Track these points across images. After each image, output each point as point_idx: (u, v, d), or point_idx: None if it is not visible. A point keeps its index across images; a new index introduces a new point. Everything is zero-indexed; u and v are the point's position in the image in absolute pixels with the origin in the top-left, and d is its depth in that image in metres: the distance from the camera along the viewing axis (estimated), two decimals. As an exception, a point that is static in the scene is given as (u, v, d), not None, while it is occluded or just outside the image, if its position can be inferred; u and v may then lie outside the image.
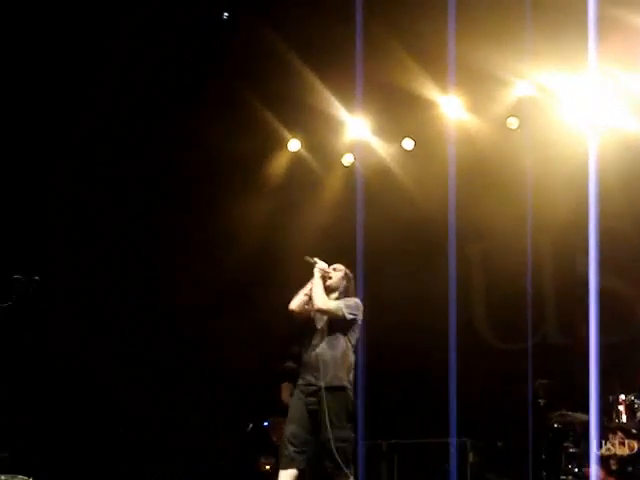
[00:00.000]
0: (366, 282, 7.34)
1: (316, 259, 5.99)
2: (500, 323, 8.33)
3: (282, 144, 8.85)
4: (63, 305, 8.11)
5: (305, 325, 6.00)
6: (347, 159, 8.76)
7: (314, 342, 5.86)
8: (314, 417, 5.70)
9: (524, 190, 8.05)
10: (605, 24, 5.83)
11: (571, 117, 7.78)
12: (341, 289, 6.00)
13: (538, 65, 7.48)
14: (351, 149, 8.67)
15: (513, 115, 8.05)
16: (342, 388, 5.72)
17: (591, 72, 7.01)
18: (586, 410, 6.84)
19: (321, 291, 5.87)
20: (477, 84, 7.83)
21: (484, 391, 8.13)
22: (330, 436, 5.60)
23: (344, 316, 5.82)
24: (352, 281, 6.13)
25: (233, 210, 8.51)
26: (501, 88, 7.92)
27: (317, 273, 5.93)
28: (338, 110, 8.23)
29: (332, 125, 8.45)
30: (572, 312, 7.90)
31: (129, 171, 8.31)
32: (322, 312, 5.84)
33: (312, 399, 5.70)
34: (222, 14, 7.82)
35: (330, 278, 6.00)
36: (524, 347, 7.98)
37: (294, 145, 8.86)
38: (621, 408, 6.98)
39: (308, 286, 5.97)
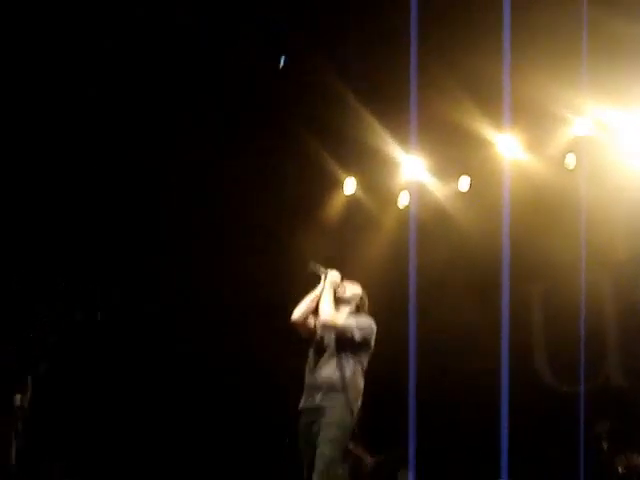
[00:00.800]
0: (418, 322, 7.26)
1: (325, 269, 5.31)
2: (559, 364, 8.19)
3: (338, 185, 8.85)
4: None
5: (309, 341, 5.29)
6: (403, 199, 8.72)
7: (320, 362, 5.17)
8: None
9: (580, 229, 7.94)
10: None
11: (629, 155, 7.69)
12: (353, 305, 5.30)
13: (596, 102, 7.41)
14: (407, 189, 8.64)
15: (571, 153, 7.97)
16: (348, 413, 5.07)
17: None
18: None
19: (329, 301, 5.17)
20: (534, 122, 7.78)
21: (541, 434, 8.00)
22: (324, 452, 4.99)
23: (353, 337, 5.12)
24: (367, 301, 5.38)
25: (292, 250, 8.49)
26: (558, 126, 7.87)
27: (328, 278, 5.23)
28: (394, 149, 8.22)
29: (388, 165, 8.43)
30: (635, 352, 7.77)
31: (195, 215, 8.35)
32: (328, 327, 5.14)
33: (317, 426, 5.07)
34: (279, 61, 7.87)
35: (343, 292, 5.27)
36: (585, 389, 7.84)
37: (350, 186, 8.86)
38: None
39: (314, 293, 5.27)
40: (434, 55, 6.52)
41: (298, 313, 5.29)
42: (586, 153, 7.88)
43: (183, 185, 8.20)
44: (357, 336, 5.16)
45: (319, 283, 5.32)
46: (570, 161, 8.01)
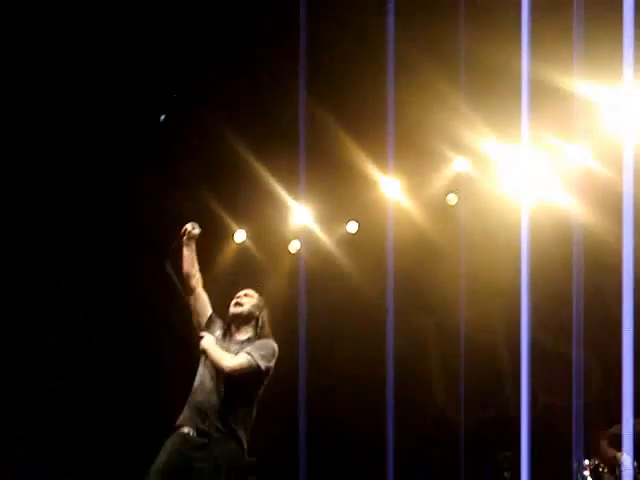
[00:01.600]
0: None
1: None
2: (457, 395, 8.36)
3: (229, 235, 8.92)
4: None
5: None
6: (294, 246, 8.84)
7: (205, 380, 4.89)
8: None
9: (462, 262, 8.18)
10: (540, 92, 6.04)
11: (506, 189, 7.98)
12: (254, 320, 5.00)
13: (475, 139, 7.69)
14: (297, 236, 8.75)
15: (452, 191, 8.25)
16: (236, 440, 4.78)
17: (525, 142, 7.20)
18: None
19: (220, 353, 4.84)
20: (416, 162, 8.02)
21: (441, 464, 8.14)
22: None
23: (259, 367, 4.82)
24: (266, 312, 5.07)
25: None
26: (440, 165, 8.14)
27: (206, 341, 4.86)
28: (282, 197, 8.34)
29: (278, 213, 8.54)
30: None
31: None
32: (235, 373, 4.77)
33: (199, 453, 4.75)
34: (159, 116, 7.94)
35: (240, 305, 4.98)
36: (483, 419, 8.02)
37: (240, 236, 8.93)
38: (586, 473, 7.00)
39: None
40: (318, 96, 6.66)
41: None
42: (465, 189, 8.18)
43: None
44: (263, 366, 4.89)
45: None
46: (451, 198, 8.28)
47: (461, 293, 8.21)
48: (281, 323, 5.47)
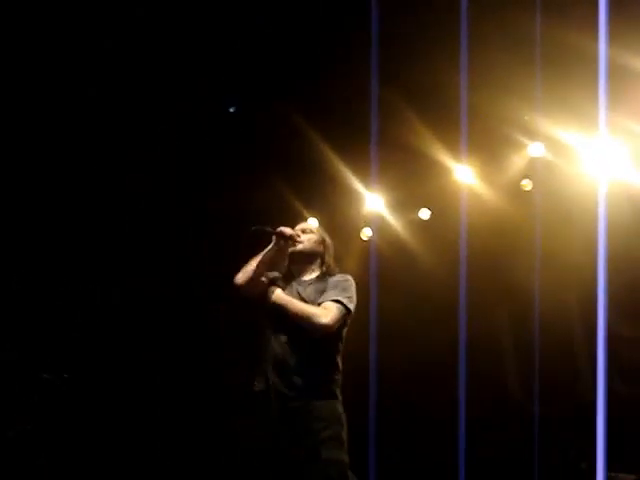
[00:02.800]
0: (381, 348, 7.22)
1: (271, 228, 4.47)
2: (529, 388, 8.28)
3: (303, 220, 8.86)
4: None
5: (260, 308, 4.50)
6: (366, 232, 8.80)
7: (281, 335, 4.38)
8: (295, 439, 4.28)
9: (538, 249, 8.08)
10: (617, 77, 5.92)
11: (584, 175, 7.85)
12: (319, 258, 4.57)
13: (550, 124, 7.57)
14: (369, 223, 8.71)
15: (527, 177, 8.13)
16: (332, 396, 4.34)
17: (602, 128, 7.09)
18: (633, 470, 6.76)
19: (304, 307, 4.33)
20: (489, 148, 7.92)
21: (519, 453, 8.06)
22: (323, 458, 4.24)
23: (349, 312, 4.40)
24: (332, 249, 4.69)
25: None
26: (514, 150, 8.03)
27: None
28: (354, 183, 8.31)
29: (349, 200, 8.51)
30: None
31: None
32: (330, 330, 4.27)
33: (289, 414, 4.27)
34: (229, 108, 7.96)
35: (300, 242, 4.50)
36: (562, 409, 7.92)
37: (313, 222, 8.87)
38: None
39: (261, 254, 4.48)
40: (392, 85, 6.63)
41: (243, 276, 4.50)
42: (541, 175, 8.05)
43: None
44: (351, 308, 4.43)
45: (268, 243, 4.55)
46: (526, 183, 8.16)
47: (537, 280, 8.10)
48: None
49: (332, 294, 4.46)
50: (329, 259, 4.72)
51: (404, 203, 8.59)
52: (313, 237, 4.69)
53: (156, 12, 6.61)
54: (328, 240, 4.80)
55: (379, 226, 8.67)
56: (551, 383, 7.97)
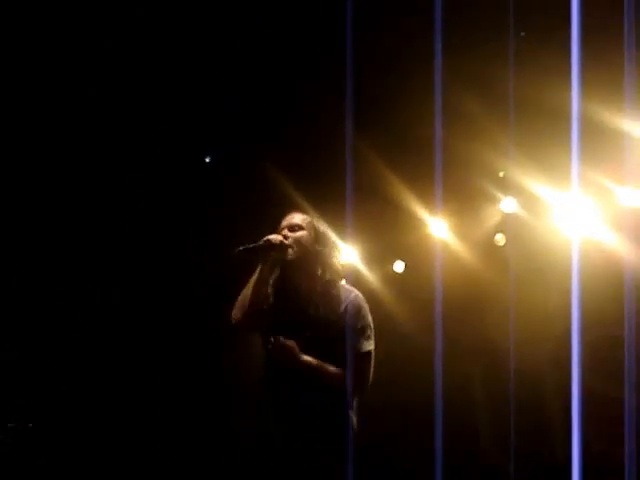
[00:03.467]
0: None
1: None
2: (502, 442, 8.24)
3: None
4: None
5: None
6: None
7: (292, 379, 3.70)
8: None
9: (511, 304, 8.08)
10: (590, 133, 5.97)
11: (556, 230, 7.89)
12: (318, 259, 3.77)
13: (523, 179, 7.63)
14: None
15: (500, 232, 8.17)
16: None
17: (575, 184, 7.12)
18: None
19: (324, 368, 3.65)
20: (464, 202, 7.97)
21: None
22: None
23: (370, 354, 3.85)
24: (329, 240, 3.91)
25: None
26: (487, 205, 8.07)
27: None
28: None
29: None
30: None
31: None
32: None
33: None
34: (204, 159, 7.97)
35: (289, 247, 3.71)
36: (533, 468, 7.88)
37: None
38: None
39: (250, 284, 3.76)
40: (365, 135, 6.64)
41: (239, 311, 3.81)
42: (514, 230, 8.09)
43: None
44: (372, 349, 3.82)
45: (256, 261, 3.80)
46: (499, 239, 8.20)
47: (511, 335, 8.09)
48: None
49: (359, 340, 3.80)
50: (330, 257, 3.92)
51: (378, 256, 8.61)
52: (304, 235, 3.88)
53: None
54: (323, 230, 3.96)
55: (353, 279, 8.66)
56: (525, 439, 7.94)
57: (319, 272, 3.89)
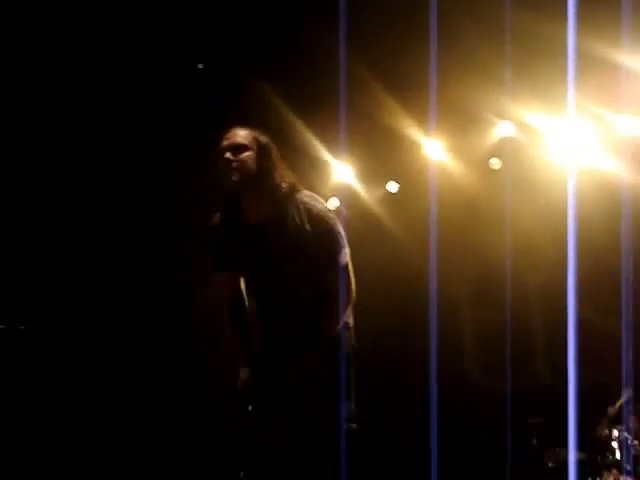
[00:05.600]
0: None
1: None
2: (489, 364, 8.33)
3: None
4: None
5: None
6: (332, 203, 8.80)
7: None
8: None
9: (505, 228, 8.09)
10: (586, 62, 5.91)
11: (552, 156, 7.86)
12: (268, 178, 3.55)
13: (519, 105, 7.57)
14: (336, 194, 8.71)
15: (495, 156, 8.14)
16: None
17: (571, 111, 7.08)
18: (581, 448, 6.82)
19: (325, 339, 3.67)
20: (459, 125, 7.92)
21: (471, 430, 8.13)
22: None
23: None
24: (276, 152, 3.64)
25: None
26: (483, 129, 8.02)
27: None
28: (322, 153, 8.29)
29: (317, 168, 8.49)
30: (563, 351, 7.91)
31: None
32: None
33: None
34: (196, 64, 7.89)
35: (234, 172, 3.50)
36: (513, 387, 7.99)
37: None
38: (614, 444, 6.95)
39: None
40: (361, 58, 6.60)
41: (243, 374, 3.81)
42: (510, 154, 8.07)
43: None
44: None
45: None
46: (494, 162, 8.18)
47: (507, 258, 8.11)
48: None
49: (333, 254, 3.59)
50: (280, 171, 3.62)
51: (372, 175, 8.59)
52: (250, 156, 3.57)
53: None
54: (266, 142, 3.64)
55: (347, 197, 8.67)
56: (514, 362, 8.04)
57: (271, 190, 3.62)
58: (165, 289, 8.20)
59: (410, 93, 7.25)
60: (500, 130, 8.04)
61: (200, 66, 7.80)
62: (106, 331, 8.14)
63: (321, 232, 3.63)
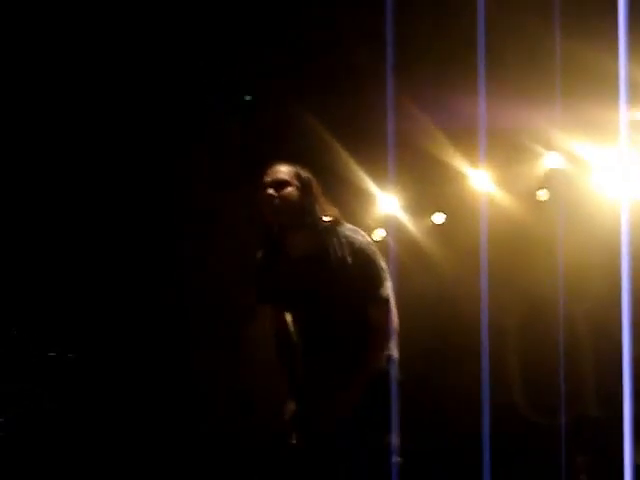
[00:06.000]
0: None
1: None
2: (537, 397, 8.20)
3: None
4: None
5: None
6: (379, 234, 8.74)
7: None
8: None
9: (556, 261, 7.99)
10: (637, 92, 5.83)
11: (602, 189, 7.76)
12: (308, 211, 3.60)
13: (568, 136, 7.49)
14: (382, 224, 8.65)
15: (543, 187, 8.05)
16: None
17: (622, 142, 6.98)
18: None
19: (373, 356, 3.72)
20: (507, 156, 7.85)
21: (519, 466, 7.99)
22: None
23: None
24: (317, 187, 3.69)
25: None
26: (531, 160, 7.94)
27: None
28: (368, 184, 8.24)
29: (363, 200, 8.45)
30: (611, 383, 7.78)
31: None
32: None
33: None
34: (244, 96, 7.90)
35: (275, 208, 3.60)
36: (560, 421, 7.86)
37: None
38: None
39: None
40: (408, 91, 6.57)
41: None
42: (558, 186, 7.97)
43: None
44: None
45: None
46: (542, 194, 8.09)
47: (561, 289, 7.98)
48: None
49: (374, 287, 3.62)
50: (322, 205, 3.67)
51: (418, 206, 8.53)
52: (291, 192, 3.64)
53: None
54: (307, 177, 3.70)
55: (393, 228, 8.61)
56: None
57: (313, 224, 3.65)
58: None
59: (457, 124, 7.20)
60: (548, 161, 7.95)
61: (248, 98, 7.83)
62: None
63: (363, 265, 3.64)
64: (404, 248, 8.51)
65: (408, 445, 4.14)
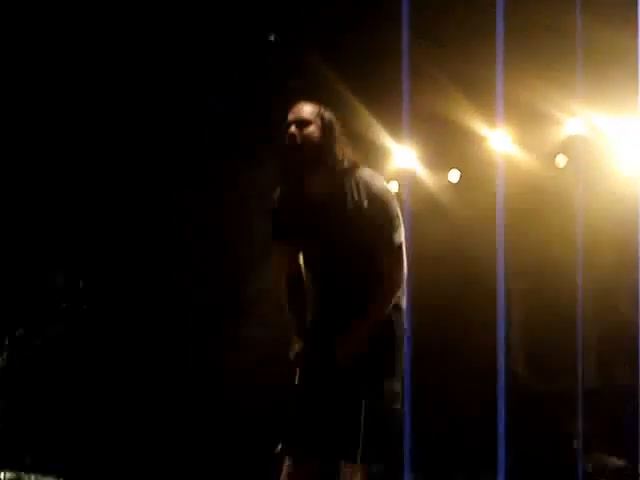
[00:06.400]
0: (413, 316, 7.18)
1: None
2: (535, 363, 8.23)
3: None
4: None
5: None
6: (393, 186, 8.72)
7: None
8: None
9: (572, 227, 7.96)
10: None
11: (620, 159, 7.70)
12: (329, 152, 3.65)
13: (589, 104, 7.41)
14: (396, 177, 8.63)
15: (562, 153, 7.98)
16: None
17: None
18: (622, 456, 6.73)
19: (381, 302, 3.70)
20: (526, 119, 7.78)
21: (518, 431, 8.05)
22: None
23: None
24: (339, 130, 3.72)
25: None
26: (551, 125, 7.87)
27: None
28: (385, 138, 8.21)
29: (378, 152, 8.43)
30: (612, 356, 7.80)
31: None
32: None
33: None
34: (269, 36, 7.86)
35: (298, 147, 3.63)
36: (562, 389, 7.88)
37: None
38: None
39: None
40: (427, 51, 6.53)
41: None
42: (577, 153, 7.90)
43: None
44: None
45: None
46: (560, 160, 8.03)
47: (567, 257, 7.96)
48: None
49: (388, 232, 3.66)
50: (342, 147, 3.72)
51: (434, 163, 8.49)
52: (314, 131, 3.69)
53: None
54: (330, 118, 3.74)
55: (410, 182, 8.59)
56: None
57: (332, 165, 3.68)
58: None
59: (477, 86, 7.16)
60: (569, 127, 7.87)
61: (271, 38, 7.78)
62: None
63: (378, 210, 3.67)
64: (418, 201, 8.51)
65: (419, 396, 4.09)
